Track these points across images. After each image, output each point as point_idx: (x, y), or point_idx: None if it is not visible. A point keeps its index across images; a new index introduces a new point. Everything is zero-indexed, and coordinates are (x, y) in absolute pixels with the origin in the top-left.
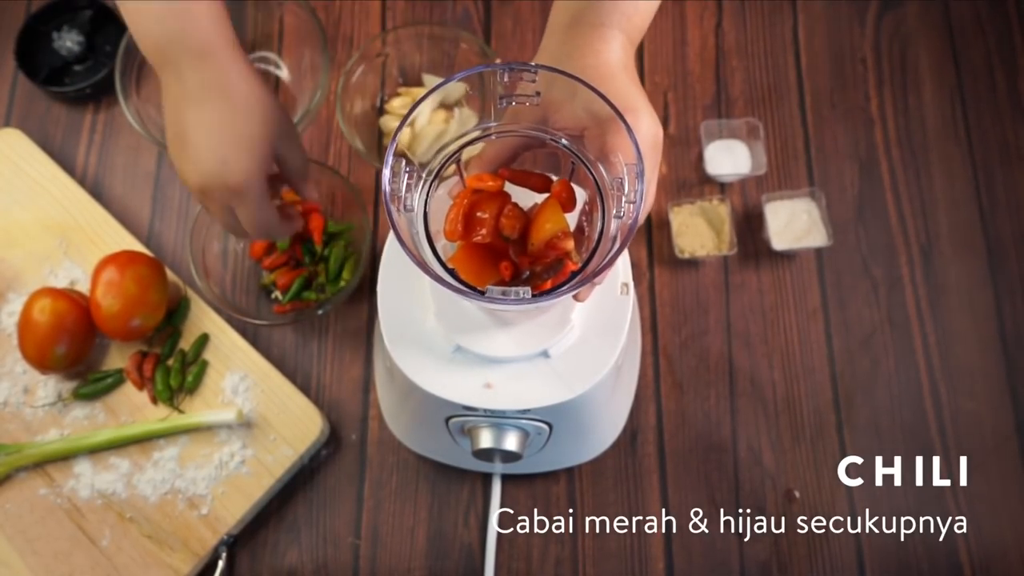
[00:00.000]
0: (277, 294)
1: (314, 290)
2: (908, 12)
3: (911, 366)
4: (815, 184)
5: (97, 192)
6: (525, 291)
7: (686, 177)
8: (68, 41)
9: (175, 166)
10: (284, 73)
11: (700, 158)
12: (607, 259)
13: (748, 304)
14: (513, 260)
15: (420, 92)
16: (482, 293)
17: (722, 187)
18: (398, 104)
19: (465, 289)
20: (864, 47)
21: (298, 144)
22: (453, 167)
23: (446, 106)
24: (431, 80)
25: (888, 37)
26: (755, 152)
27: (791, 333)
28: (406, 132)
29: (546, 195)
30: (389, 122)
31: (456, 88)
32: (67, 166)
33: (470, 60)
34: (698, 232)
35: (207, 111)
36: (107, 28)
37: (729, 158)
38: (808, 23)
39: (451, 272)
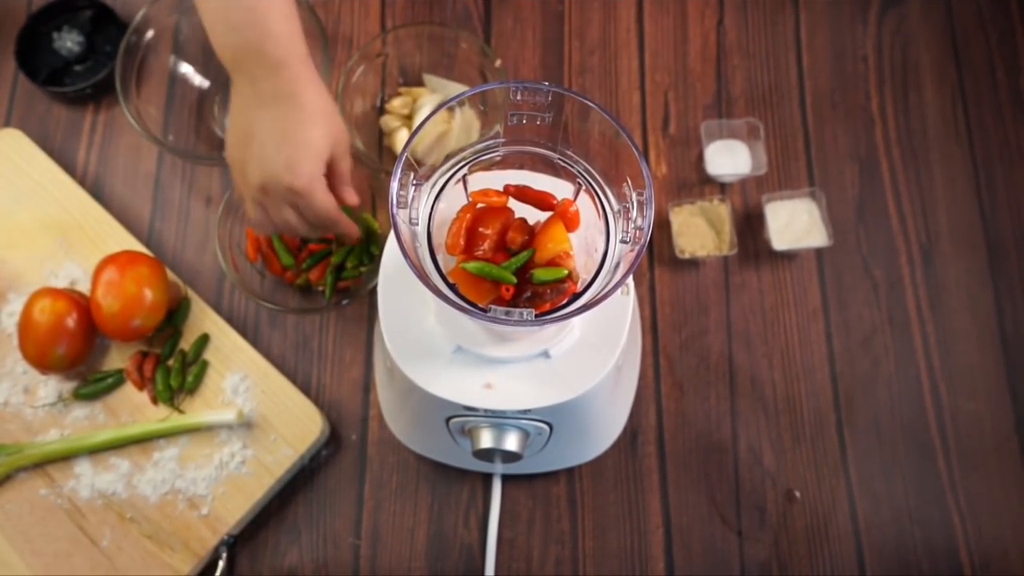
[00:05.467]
0: (321, 288)
1: (352, 270)
2: (909, 11)
3: (911, 366)
4: (815, 184)
5: (97, 192)
6: (529, 312)
7: (686, 177)
8: (68, 41)
9: (234, 163)
10: None
11: (700, 158)
12: (612, 284)
13: (748, 304)
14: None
15: (420, 92)
16: (485, 311)
17: (722, 187)
18: (398, 104)
19: (468, 307)
20: (866, 46)
21: (348, 151)
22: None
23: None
24: (431, 80)
25: (890, 36)
26: (755, 152)
27: (791, 333)
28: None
29: (550, 213)
30: (390, 122)
31: (456, 88)
32: (67, 166)
33: (470, 59)
34: (698, 232)
35: (278, 117)
36: (107, 28)
37: (729, 158)
38: (810, 22)
39: (452, 287)
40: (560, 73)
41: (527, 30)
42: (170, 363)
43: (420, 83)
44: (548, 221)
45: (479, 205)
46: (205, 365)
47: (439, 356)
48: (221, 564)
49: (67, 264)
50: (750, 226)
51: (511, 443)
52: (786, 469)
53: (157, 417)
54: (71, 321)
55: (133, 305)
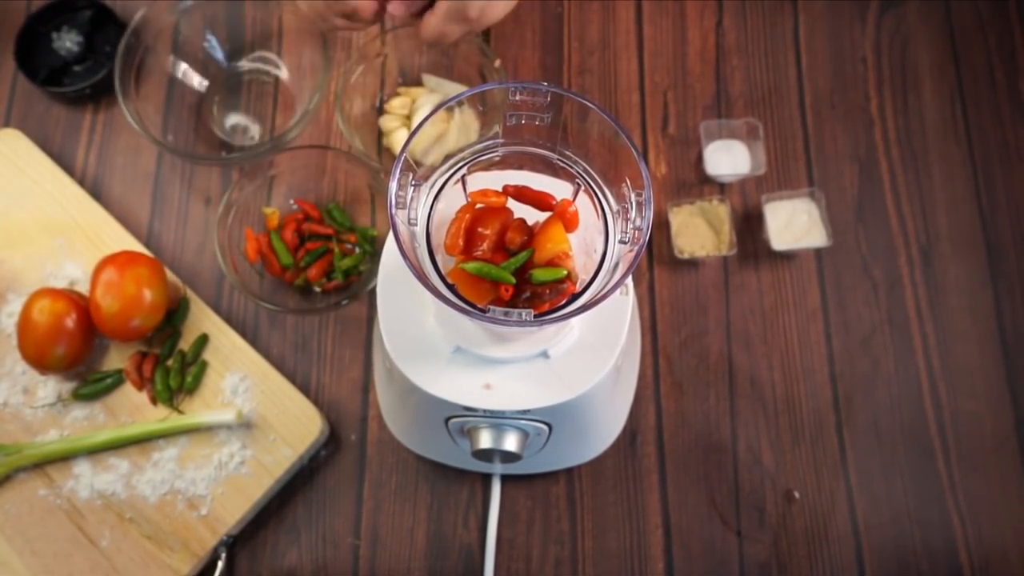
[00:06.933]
0: (316, 287)
1: (342, 269)
2: (909, 11)
3: (911, 366)
4: (815, 184)
5: (97, 192)
6: (528, 313)
7: (686, 177)
8: (67, 41)
9: None
10: (283, 73)
11: (700, 158)
12: (611, 284)
13: (748, 304)
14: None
15: (419, 92)
16: (483, 312)
17: (722, 187)
18: (397, 104)
19: (466, 307)
20: (865, 46)
21: None
22: (456, 181)
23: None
24: (430, 80)
25: (889, 36)
26: (755, 152)
27: (791, 333)
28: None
29: (549, 213)
30: (389, 122)
31: (455, 88)
32: (67, 166)
33: (470, 60)
34: (698, 232)
35: None
36: (106, 28)
37: (729, 158)
38: (809, 22)
39: (451, 287)
40: (559, 74)
41: (526, 31)
42: (169, 363)
43: (419, 83)
44: (547, 221)
45: (478, 205)
46: (204, 365)
47: (438, 356)
48: (220, 564)
49: (66, 264)
50: (749, 226)
51: (510, 443)
52: (785, 469)
53: (156, 417)
54: (70, 321)
55: (132, 305)
